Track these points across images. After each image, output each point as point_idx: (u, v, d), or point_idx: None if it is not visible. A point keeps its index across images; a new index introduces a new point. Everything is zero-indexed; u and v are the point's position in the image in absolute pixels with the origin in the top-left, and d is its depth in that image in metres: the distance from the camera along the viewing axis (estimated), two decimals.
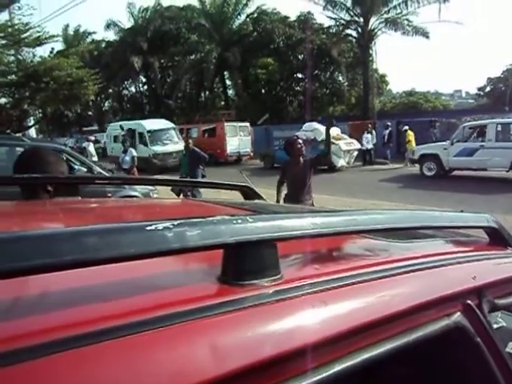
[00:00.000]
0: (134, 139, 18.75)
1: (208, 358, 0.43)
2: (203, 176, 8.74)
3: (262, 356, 0.45)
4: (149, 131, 19.54)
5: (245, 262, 0.52)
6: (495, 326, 1.09)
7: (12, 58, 16.12)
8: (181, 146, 16.72)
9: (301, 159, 4.84)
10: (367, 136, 17.92)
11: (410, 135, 16.75)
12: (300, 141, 4.96)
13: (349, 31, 27.53)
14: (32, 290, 0.50)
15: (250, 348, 0.46)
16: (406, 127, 17.27)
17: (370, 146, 17.95)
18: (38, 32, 15.62)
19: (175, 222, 0.48)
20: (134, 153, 10.50)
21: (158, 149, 19.05)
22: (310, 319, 0.52)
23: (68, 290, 0.50)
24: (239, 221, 0.52)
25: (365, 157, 18.02)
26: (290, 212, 0.98)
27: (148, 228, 0.46)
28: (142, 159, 15.83)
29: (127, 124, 21.08)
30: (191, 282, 0.58)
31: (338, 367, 0.52)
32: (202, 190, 7.22)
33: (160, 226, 0.46)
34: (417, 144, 15.62)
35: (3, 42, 15.06)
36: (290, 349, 0.47)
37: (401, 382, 0.90)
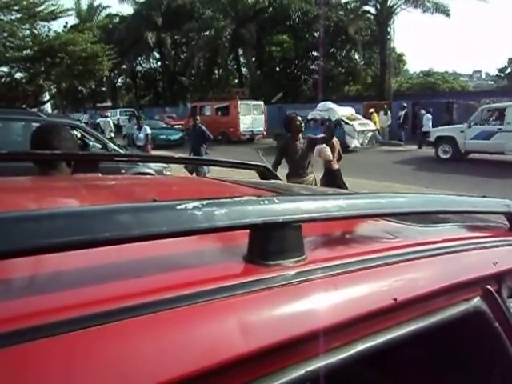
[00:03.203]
0: None
1: (235, 336, 0.44)
2: (206, 154, 8.76)
3: (286, 335, 0.46)
4: None
5: (271, 243, 0.53)
6: None
7: (27, 33, 16.10)
8: None
9: (300, 136, 4.89)
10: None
11: (375, 117, 17.78)
12: (299, 118, 4.98)
13: (367, 7, 26.86)
14: (65, 266, 0.52)
15: (275, 327, 0.47)
16: (372, 109, 18.10)
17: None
18: (53, 5, 15.53)
19: (204, 202, 0.48)
20: (149, 130, 10.41)
21: None
22: (332, 300, 0.53)
23: (99, 267, 0.52)
24: (266, 202, 0.53)
25: None
26: (311, 193, 0.99)
27: (178, 207, 0.47)
28: None
29: None
30: (218, 261, 0.59)
31: (359, 347, 0.53)
32: (211, 168, 7.26)
33: (190, 206, 0.47)
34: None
35: (18, 15, 15.01)
36: (313, 329, 0.48)
37: (420, 364, 0.92)
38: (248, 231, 0.53)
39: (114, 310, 0.41)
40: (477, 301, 0.69)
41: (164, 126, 22.27)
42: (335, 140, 6.54)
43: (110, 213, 0.44)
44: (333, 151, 6.23)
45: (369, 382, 1.03)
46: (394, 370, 1.00)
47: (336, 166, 6.21)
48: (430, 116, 16.65)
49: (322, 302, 0.52)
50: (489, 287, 0.72)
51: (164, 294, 0.44)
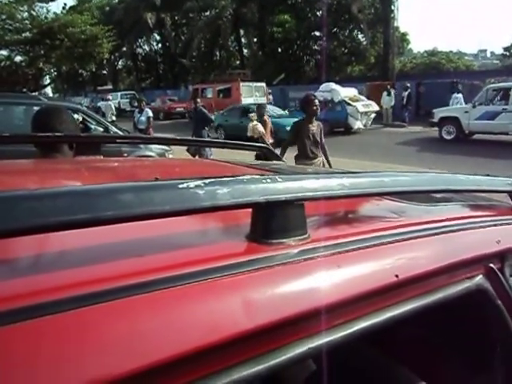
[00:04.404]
0: None
1: (238, 313, 0.44)
2: (208, 137, 8.74)
3: (289, 312, 0.47)
4: None
5: (274, 221, 0.53)
6: None
7: (26, 15, 15.89)
8: None
9: (314, 119, 4.83)
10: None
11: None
12: (317, 101, 4.91)
13: None
14: (68, 244, 0.52)
15: (278, 304, 0.47)
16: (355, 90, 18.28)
17: None
18: None
19: (206, 181, 0.48)
20: (150, 113, 10.41)
21: None
22: (335, 278, 0.53)
23: (102, 246, 0.52)
24: (269, 180, 0.52)
25: None
26: (314, 172, 0.98)
27: (180, 186, 0.47)
28: None
29: None
30: (221, 240, 0.59)
31: (362, 325, 0.53)
32: (214, 150, 7.27)
33: (192, 184, 0.47)
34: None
35: None
36: (315, 306, 0.49)
37: (422, 342, 0.93)
38: (251, 210, 0.53)
39: (117, 288, 0.41)
40: (479, 279, 0.69)
41: (282, 112, 16.17)
42: (266, 117, 7.97)
43: (113, 192, 0.44)
44: (265, 127, 7.42)
45: (371, 360, 1.05)
46: (396, 348, 1.01)
47: (270, 140, 6.93)
48: (458, 95, 15.57)
49: (325, 279, 0.52)
50: (491, 265, 0.72)
51: (166, 272, 0.44)
